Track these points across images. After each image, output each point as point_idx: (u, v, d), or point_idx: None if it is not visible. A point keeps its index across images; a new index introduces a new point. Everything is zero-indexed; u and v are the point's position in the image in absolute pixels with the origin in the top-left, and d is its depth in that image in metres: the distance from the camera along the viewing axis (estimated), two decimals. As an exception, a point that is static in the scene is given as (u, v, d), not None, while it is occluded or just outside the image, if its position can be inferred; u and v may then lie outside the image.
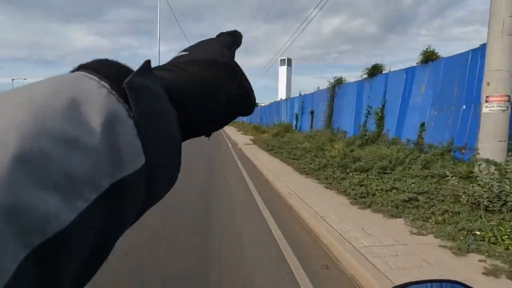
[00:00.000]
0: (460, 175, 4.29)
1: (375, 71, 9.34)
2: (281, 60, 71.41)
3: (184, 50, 0.27)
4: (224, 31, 0.30)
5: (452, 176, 3.96)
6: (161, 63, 0.25)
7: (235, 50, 0.29)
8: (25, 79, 44.20)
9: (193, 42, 0.29)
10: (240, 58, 0.28)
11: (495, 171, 3.88)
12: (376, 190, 4.32)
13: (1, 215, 0.12)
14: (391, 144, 7.51)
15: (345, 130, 10.54)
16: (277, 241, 2.96)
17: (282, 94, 70.92)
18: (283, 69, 77.35)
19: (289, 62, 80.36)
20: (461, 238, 2.75)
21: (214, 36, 0.30)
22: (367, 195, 4.14)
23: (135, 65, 0.19)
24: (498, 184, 3.43)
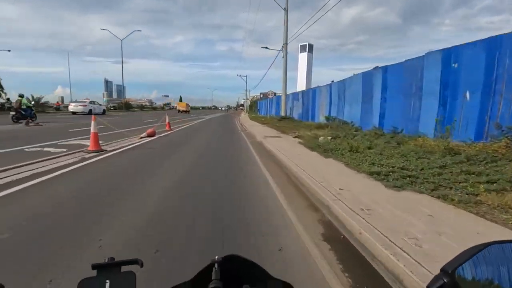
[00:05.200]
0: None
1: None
2: (301, 46, 65.86)
3: None
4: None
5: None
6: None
7: None
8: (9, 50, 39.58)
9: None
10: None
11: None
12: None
13: None
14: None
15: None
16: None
17: (301, 85, 60.42)
18: (303, 56, 68.62)
19: (310, 49, 70.38)
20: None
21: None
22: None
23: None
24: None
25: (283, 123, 15.61)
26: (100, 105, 30.88)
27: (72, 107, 26.09)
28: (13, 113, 14.21)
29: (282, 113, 18.84)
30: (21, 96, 14.58)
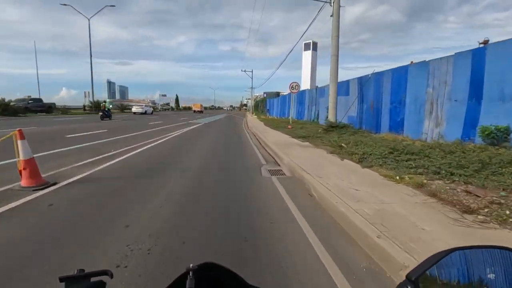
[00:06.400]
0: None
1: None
2: (305, 44, 66.86)
3: None
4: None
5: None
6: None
7: None
8: None
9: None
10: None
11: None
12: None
13: None
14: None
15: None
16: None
17: (306, 84, 61.53)
18: (307, 55, 69.48)
19: (314, 47, 70.62)
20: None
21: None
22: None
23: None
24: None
25: (352, 144, 7.13)
26: (151, 107, 42.45)
27: (134, 109, 36.17)
28: (100, 113, 21.21)
29: (331, 118, 10.10)
30: (105, 101, 25.11)
